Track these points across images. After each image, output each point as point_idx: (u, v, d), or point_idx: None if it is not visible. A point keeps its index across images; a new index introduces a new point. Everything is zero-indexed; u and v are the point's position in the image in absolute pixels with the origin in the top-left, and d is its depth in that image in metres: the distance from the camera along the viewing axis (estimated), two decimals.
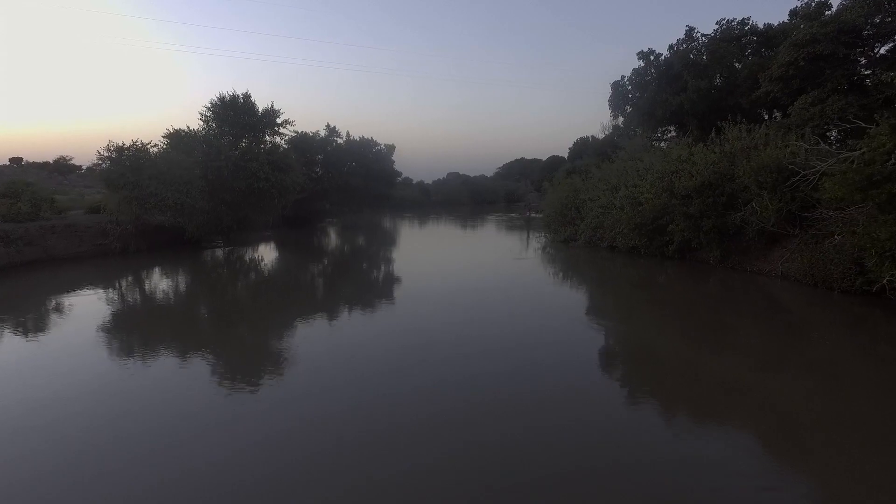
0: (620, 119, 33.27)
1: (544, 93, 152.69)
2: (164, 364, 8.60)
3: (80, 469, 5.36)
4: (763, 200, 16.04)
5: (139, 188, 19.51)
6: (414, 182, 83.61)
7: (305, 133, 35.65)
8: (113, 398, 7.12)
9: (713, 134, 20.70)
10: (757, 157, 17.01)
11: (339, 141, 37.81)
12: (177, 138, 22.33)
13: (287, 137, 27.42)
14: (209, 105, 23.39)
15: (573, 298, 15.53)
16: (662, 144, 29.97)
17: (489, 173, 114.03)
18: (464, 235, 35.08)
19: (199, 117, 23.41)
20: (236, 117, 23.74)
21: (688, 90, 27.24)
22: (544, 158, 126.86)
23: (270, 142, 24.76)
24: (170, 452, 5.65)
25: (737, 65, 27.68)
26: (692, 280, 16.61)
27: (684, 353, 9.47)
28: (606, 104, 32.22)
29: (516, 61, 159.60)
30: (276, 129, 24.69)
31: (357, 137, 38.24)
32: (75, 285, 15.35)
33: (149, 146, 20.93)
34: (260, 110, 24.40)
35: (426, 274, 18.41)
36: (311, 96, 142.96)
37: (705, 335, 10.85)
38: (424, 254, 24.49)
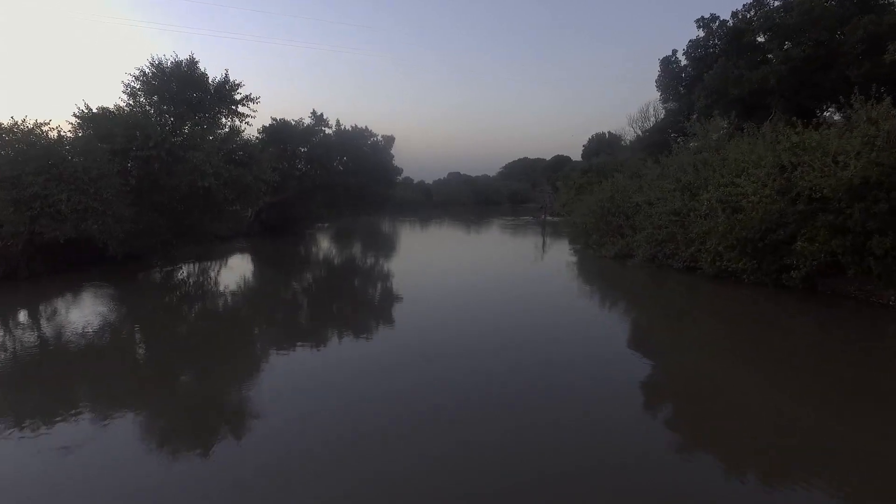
0: (658, 104, 27.14)
1: (545, 92, 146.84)
2: None
3: None
4: None
5: (19, 187, 13.34)
6: (414, 182, 77.64)
7: (285, 120, 29.50)
8: None
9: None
10: None
11: (328, 131, 31.63)
12: (95, 120, 16.12)
13: (253, 122, 21.27)
14: (137, 74, 17.19)
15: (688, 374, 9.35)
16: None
17: (491, 173, 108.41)
18: (480, 246, 28.81)
19: (124, 89, 17.18)
20: (179, 92, 17.58)
21: (770, 61, 21.07)
22: (548, 158, 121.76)
23: (228, 125, 18.60)
24: None
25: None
26: (864, 333, 10.42)
27: None
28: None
29: (515, 60, 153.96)
30: (233, 108, 18.53)
31: (349, 127, 32.04)
32: None
33: (47, 128, 14.78)
34: (213, 83, 18.27)
35: (439, 314, 12.22)
36: (304, 96, 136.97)
37: None
38: (435, 276, 18.36)
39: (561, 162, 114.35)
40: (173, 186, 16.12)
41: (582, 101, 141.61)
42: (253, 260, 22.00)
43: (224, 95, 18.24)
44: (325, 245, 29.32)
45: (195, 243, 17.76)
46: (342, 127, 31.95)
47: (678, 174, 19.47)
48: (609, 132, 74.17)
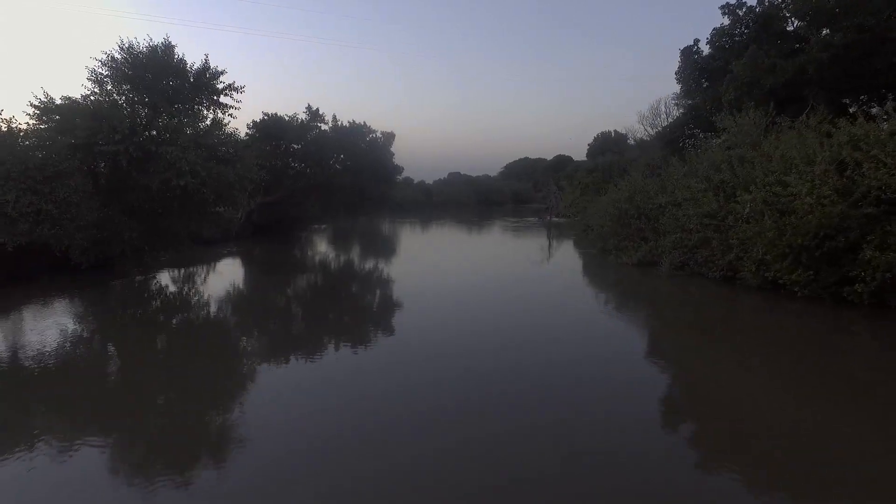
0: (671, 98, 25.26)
1: (545, 91, 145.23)
2: None
3: None
4: None
5: None
6: (414, 182, 75.86)
7: (278, 116, 27.57)
8: None
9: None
10: None
11: (324, 127, 29.73)
12: (56, 111, 14.20)
13: (238, 115, 19.36)
14: (105, 59, 15.24)
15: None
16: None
17: (492, 173, 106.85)
18: (487, 252, 26.92)
19: (89, 76, 15.21)
20: (154, 80, 15.67)
21: (806, 49, 19.20)
22: (549, 158, 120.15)
23: (210, 118, 16.67)
24: None
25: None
26: None
27: None
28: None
29: (514, 60, 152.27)
30: (215, 98, 16.63)
31: (346, 123, 30.11)
32: None
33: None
34: (192, 70, 16.36)
35: (446, 331, 10.29)
36: (301, 94, 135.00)
37: None
38: (441, 285, 16.46)
39: (563, 162, 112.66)
40: (145, 186, 14.23)
41: (582, 100, 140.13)
42: (238, 266, 20.10)
43: (204, 84, 16.31)
44: (320, 248, 27.45)
45: (172, 249, 15.85)
46: (339, 123, 30.09)
47: (707, 172, 17.60)
48: (615, 131, 72.39)
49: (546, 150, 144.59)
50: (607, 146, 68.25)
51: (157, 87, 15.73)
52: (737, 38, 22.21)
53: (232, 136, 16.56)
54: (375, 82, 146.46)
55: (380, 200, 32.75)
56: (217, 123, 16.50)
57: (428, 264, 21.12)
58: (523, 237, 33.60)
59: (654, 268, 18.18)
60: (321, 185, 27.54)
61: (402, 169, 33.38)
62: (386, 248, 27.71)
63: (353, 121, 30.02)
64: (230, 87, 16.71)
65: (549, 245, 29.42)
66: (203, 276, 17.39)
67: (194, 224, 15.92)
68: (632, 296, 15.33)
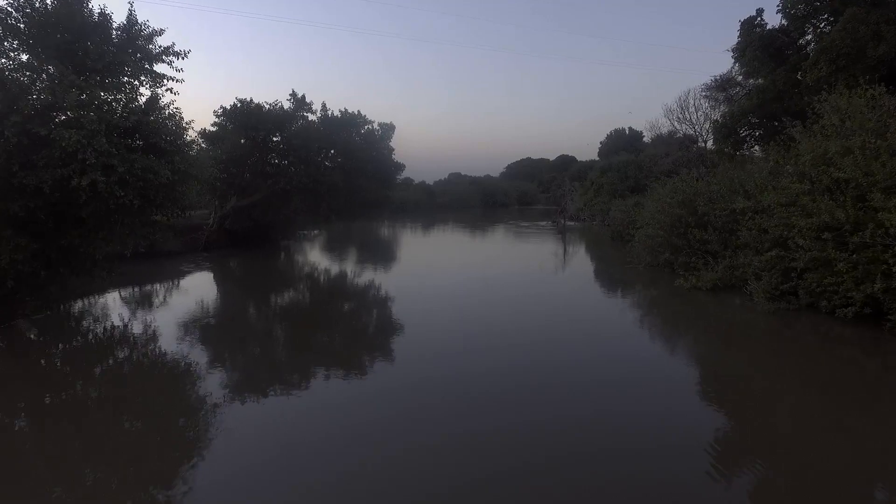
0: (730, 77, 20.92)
1: (544, 91, 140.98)
2: None
3: None
4: None
5: None
6: (415, 182, 71.47)
7: (254, 103, 23.12)
8: None
9: None
10: None
11: (311, 117, 25.34)
12: None
13: (182, 88, 14.87)
14: None
15: None
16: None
17: (493, 174, 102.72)
18: (510, 271, 22.50)
19: None
20: (64, 43, 11.29)
21: None
22: (552, 158, 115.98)
23: (144, 95, 12.27)
24: None
25: None
26: None
27: None
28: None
29: (514, 60, 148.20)
30: (146, 66, 12.20)
31: (337, 113, 25.70)
32: None
33: None
34: (115, 27, 11.96)
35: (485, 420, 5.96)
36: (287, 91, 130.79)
37: None
38: (461, 317, 12.07)
39: (567, 161, 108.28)
40: (35, 187, 9.87)
41: (583, 100, 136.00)
42: (194, 290, 15.72)
43: (128, 45, 11.92)
44: (305, 262, 23.07)
45: (83, 274, 11.45)
46: (329, 113, 25.64)
47: (806, 169, 13.23)
48: (629, 128, 68.00)
49: (548, 149, 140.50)
50: (620, 144, 63.90)
51: (65, 49, 11.35)
52: (818, 3, 17.84)
53: (173, 118, 12.17)
54: (371, 81, 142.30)
55: (377, 204, 28.27)
56: (153, 101, 12.11)
57: (445, 298, 16.72)
58: (542, 244, 29.20)
59: (736, 294, 13.85)
60: (306, 185, 23.14)
61: (404, 167, 28.93)
62: (390, 266, 23.35)
63: (346, 109, 25.63)
64: (168, 52, 12.27)
65: (566, 253, 25.05)
66: (127, 310, 13.01)
67: (118, 240, 11.51)
68: (736, 352, 10.74)
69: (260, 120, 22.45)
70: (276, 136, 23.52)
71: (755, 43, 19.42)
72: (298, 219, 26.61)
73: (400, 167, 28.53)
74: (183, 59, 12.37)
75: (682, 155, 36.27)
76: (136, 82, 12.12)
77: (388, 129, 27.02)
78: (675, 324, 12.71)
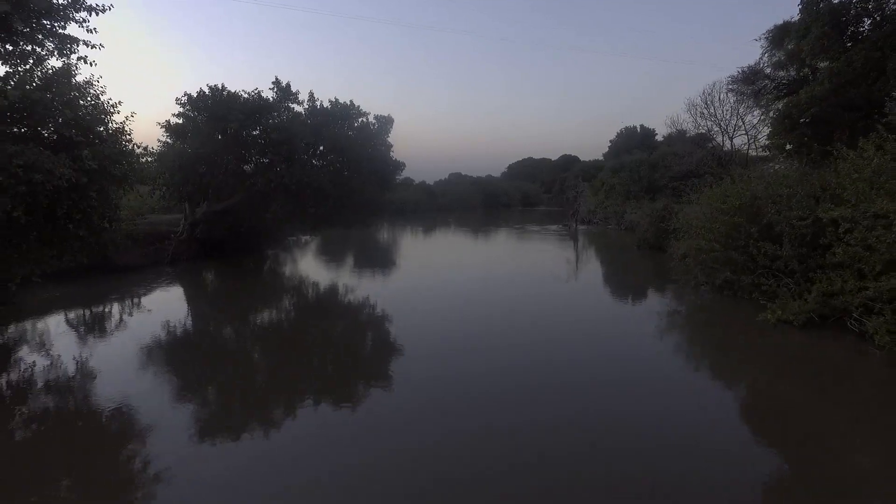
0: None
1: (545, 91, 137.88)
2: None
3: None
4: None
5: None
6: (415, 182, 68.36)
7: (227, 91, 19.83)
8: None
9: None
10: None
11: (297, 108, 22.06)
12: None
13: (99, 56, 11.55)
14: None
15: None
16: None
17: (494, 174, 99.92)
18: (530, 288, 19.16)
19: None
20: None
21: None
22: (555, 158, 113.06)
23: (53, 64, 9.01)
24: None
25: None
26: None
27: None
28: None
29: (514, 59, 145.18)
30: (53, 26, 8.92)
31: (326, 103, 22.41)
32: None
33: None
34: None
35: None
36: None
37: None
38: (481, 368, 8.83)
39: (569, 161, 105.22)
40: None
41: (584, 99, 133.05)
42: (150, 310, 12.37)
43: (37, 4, 8.67)
44: (287, 280, 19.73)
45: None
46: (318, 103, 22.35)
47: None
48: (641, 125, 64.78)
49: (550, 149, 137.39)
50: (632, 143, 60.67)
51: None
52: None
53: (92, 97, 8.89)
54: (367, 77, 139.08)
55: (374, 207, 24.93)
56: (66, 72, 8.84)
57: (460, 333, 13.43)
58: (559, 251, 25.96)
59: (836, 330, 10.62)
60: (291, 185, 19.86)
61: (404, 165, 25.64)
62: (382, 276, 20.05)
63: (336, 99, 22.31)
64: (81, 5, 8.95)
65: (577, 260, 21.77)
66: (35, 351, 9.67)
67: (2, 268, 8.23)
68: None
69: (232, 110, 19.13)
70: (254, 130, 20.22)
71: (824, 17, 16.25)
72: (280, 224, 23.29)
73: (400, 166, 25.28)
74: (99, 14, 9.02)
75: (708, 153, 33.12)
76: (34, 46, 8.80)
77: (385, 122, 23.74)
78: (804, 391, 9.42)
